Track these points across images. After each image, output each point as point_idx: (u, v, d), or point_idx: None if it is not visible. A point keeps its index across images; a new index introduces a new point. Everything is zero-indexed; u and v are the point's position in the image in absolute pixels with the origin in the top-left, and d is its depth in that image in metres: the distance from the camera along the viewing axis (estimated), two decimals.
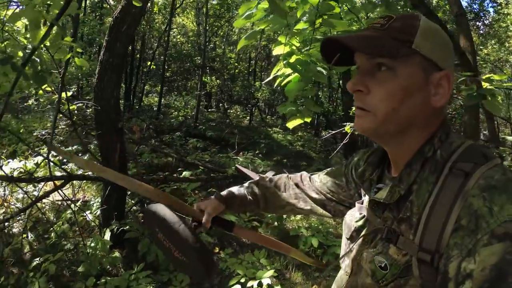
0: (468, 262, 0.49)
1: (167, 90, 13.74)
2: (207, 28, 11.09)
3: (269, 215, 4.00)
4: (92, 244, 2.88)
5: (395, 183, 0.65)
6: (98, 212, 3.54)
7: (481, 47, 11.15)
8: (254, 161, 6.30)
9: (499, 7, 10.14)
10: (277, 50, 1.77)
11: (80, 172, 3.99)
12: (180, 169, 5.11)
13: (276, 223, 4.16)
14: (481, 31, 11.11)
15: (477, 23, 10.86)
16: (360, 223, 0.74)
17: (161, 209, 0.83)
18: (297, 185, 1.00)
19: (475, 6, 10.49)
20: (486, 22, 11.12)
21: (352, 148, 8.06)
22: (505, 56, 12.14)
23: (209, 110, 14.10)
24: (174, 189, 4.45)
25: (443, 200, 0.56)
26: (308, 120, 2.03)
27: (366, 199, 0.75)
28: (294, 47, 1.62)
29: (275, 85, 1.89)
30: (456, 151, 0.60)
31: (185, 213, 0.90)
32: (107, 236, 3.06)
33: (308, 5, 1.55)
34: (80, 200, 4.30)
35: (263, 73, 16.75)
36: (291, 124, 2.08)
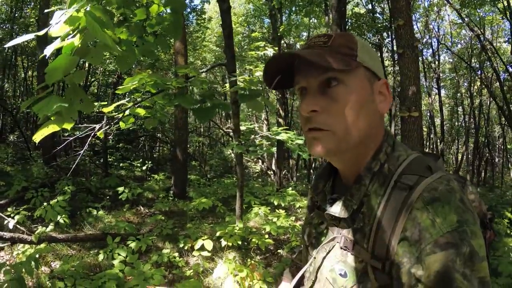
0: (416, 268, 0.54)
1: None
2: None
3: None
4: None
5: (347, 197, 0.66)
6: None
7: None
8: None
9: (202, 21, 12.59)
10: None
11: None
12: None
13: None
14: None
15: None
16: (319, 230, 0.76)
17: None
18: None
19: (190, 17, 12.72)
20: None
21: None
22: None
23: None
24: None
25: (389, 212, 0.59)
26: (68, 126, 1.41)
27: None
28: None
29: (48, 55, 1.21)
30: (402, 164, 0.64)
31: None
32: None
33: None
34: None
35: None
36: (39, 135, 1.38)
